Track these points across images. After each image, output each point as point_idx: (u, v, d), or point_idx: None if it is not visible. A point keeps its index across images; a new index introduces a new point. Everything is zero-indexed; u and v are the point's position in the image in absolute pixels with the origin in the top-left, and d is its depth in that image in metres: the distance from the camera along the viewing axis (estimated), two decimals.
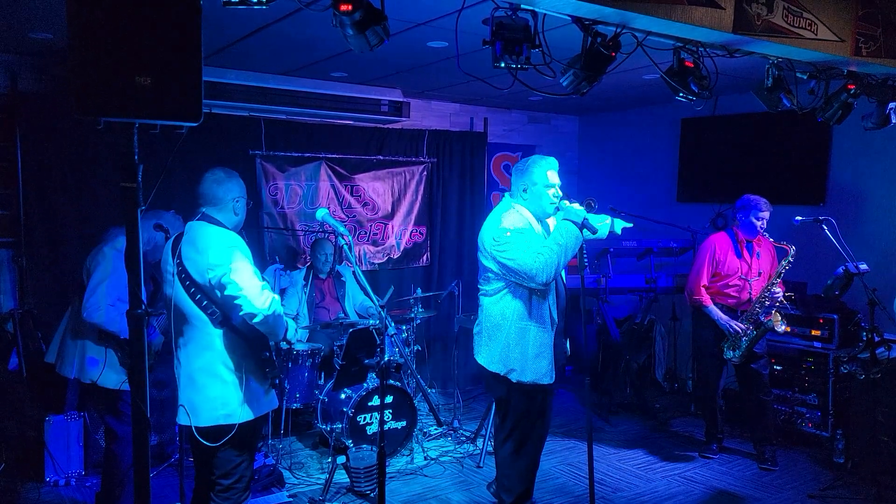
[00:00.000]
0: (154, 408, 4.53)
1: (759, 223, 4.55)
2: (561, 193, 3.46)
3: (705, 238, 4.87)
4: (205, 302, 2.81)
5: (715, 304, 4.67)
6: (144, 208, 2.07)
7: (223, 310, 2.82)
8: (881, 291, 4.36)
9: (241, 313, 2.76)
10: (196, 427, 2.81)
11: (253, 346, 2.88)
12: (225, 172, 2.99)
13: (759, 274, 4.66)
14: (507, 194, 3.58)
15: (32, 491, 4.19)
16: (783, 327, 4.55)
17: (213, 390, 2.82)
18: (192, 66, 2.00)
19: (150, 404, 2.12)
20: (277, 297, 2.87)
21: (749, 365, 4.64)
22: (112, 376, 3.53)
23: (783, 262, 4.52)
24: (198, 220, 2.91)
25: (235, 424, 2.82)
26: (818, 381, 4.98)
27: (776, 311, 4.50)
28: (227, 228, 2.93)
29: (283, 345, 3.04)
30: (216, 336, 2.83)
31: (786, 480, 4.48)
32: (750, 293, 4.63)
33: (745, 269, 4.64)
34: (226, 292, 2.75)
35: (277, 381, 2.99)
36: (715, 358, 4.73)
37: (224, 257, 2.77)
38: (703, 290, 4.68)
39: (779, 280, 4.54)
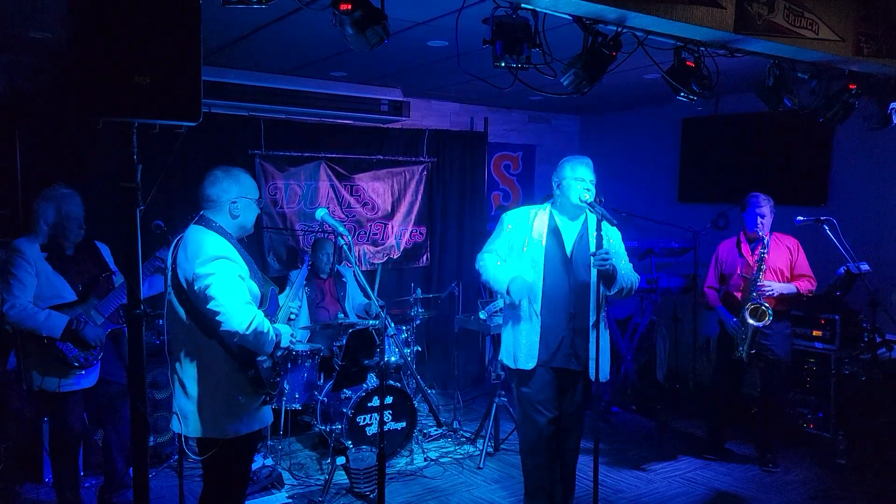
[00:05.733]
0: (151, 409, 4.53)
1: (759, 217, 4.53)
2: (591, 190, 3.45)
3: (706, 238, 4.90)
4: (193, 311, 2.66)
5: (726, 304, 4.69)
6: (143, 208, 2.06)
7: (209, 321, 2.64)
8: (882, 292, 4.35)
9: (220, 329, 2.59)
10: (186, 437, 2.73)
11: (240, 361, 2.70)
12: (223, 171, 2.80)
13: (769, 270, 4.53)
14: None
15: (31, 492, 4.17)
16: (759, 321, 4.38)
17: (202, 402, 2.68)
18: (192, 65, 2.00)
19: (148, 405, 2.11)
20: (261, 312, 2.68)
21: (771, 370, 4.59)
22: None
23: (760, 250, 4.45)
24: (195, 223, 2.75)
25: (222, 440, 2.69)
26: (820, 382, 4.97)
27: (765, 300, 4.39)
28: (227, 232, 2.75)
29: (279, 351, 2.89)
30: (205, 347, 2.68)
31: (787, 481, 4.47)
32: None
33: (745, 267, 4.61)
34: (208, 306, 2.58)
35: (267, 399, 2.81)
36: (722, 360, 4.72)
37: (208, 267, 2.59)
38: (707, 289, 4.80)
39: (763, 270, 4.43)
